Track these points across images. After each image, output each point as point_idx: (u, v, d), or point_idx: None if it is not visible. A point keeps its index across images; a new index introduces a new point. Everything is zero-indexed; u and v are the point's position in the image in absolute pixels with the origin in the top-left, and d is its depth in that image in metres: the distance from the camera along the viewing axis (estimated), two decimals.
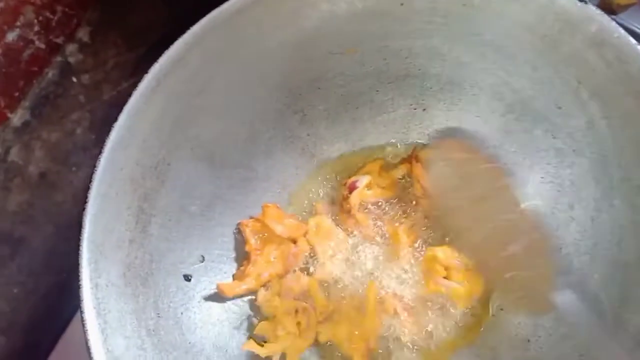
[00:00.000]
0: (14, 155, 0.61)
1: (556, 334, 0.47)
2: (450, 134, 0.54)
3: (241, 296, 0.51)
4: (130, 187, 0.43)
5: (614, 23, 0.43)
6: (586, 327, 0.43)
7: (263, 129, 0.52)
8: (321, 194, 0.55)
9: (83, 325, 0.39)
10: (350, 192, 0.53)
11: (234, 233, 0.53)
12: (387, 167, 0.55)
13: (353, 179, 0.53)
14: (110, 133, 0.41)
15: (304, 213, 0.55)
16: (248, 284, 0.50)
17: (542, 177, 0.51)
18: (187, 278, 0.48)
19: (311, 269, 0.52)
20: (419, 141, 0.56)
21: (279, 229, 0.51)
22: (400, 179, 0.54)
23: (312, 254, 0.53)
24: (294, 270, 0.52)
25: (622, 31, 0.42)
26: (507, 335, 0.50)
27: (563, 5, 0.43)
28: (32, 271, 0.66)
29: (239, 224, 0.52)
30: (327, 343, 0.51)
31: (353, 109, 0.54)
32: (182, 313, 0.47)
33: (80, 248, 0.40)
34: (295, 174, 0.55)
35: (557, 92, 0.47)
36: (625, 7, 0.60)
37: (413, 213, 0.53)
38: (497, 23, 0.46)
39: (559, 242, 0.49)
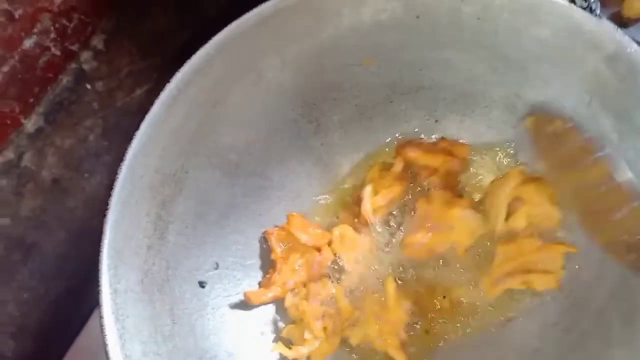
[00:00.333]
0: (27, 160, 0.62)
1: (564, 345, 0.48)
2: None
3: (267, 303, 0.52)
4: (150, 195, 0.44)
5: (627, 37, 0.43)
6: None
7: (278, 138, 0.53)
8: (334, 202, 0.56)
9: (102, 330, 0.40)
10: (359, 205, 0.53)
11: (259, 241, 0.54)
12: (386, 167, 0.55)
13: (359, 193, 0.54)
14: (132, 141, 0.42)
15: (318, 221, 0.56)
16: (274, 291, 0.51)
17: None
18: (202, 285, 0.49)
19: (336, 275, 0.53)
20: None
21: (303, 238, 0.51)
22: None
23: (336, 262, 0.53)
24: (320, 278, 0.52)
25: (636, 46, 0.43)
26: (515, 345, 0.50)
27: (577, 19, 0.44)
28: (43, 276, 0.66)
29: (264, 232, 0.53)
30: (360, 345, 0.51)
31: (367, 120, 0.55)
32: (196, 320, 0.47)
33: (101, 254, 0.40)
34: (308, 184, 0.56)
35: (568, 105, 0.48)
36: (636, 20, 0.61)
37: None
38: (510, 36, 0.47)
39: None
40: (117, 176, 0.42)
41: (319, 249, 0.52)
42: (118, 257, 0.41)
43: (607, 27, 0.43)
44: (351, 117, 0.54)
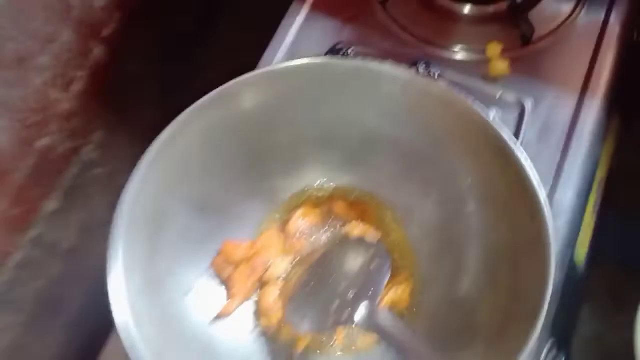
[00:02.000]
0: (49, 235, 0.72)
1: None
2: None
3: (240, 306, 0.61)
4: (143, 230, 0.55)
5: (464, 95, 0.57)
6: None
7: (234, 186, 0.64)
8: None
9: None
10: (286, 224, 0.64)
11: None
12: (317, 205, 0.67)
13: (290, 216, 0.65)
14: (126, 188, 0.54)
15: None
16: (240, 298, 0.60)
17: None
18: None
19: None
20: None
21: (238, 255, 0.61)
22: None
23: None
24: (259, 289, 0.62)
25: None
26: None
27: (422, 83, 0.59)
28: (65, 333, 0.77)
29: (211, 265, 0.63)
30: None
31: (299, 165, 0.68)
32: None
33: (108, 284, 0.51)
34: (261, 215, 0.67)
35: (425, 142, 0.62)
36: (502, 77, 0.76)
37: None
38: (376, 94, 0.60)
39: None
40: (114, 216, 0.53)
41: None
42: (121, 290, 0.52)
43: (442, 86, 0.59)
44: (287, 164, 0.67)
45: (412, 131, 0.61)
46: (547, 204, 0.51)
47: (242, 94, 0.58)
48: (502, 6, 0.75)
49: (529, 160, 0.52)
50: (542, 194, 0.51)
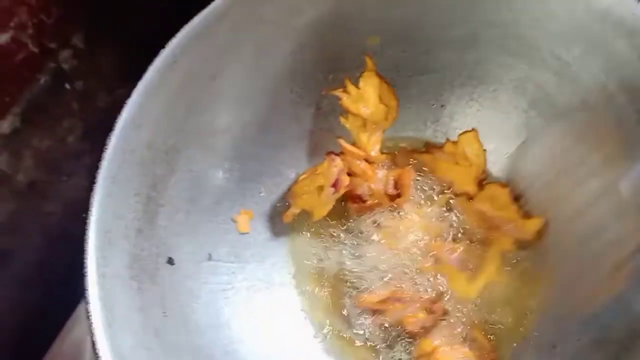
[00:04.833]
0: (2, 163, 0.59)
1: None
2: None
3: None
4: (140, 172, 0.40)
5: None
6: None
7: (276, 120, 0.50)
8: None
9: (88, 318, 0.35)
10: None
11: (255, 231, 0.51)
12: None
13: None
14: (122, 110, 0.39)
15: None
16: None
17: None
18: (171, 262, 0.44)
19: None
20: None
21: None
22: None
23: None
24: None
25: None
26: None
27: None
28: (19, 284, 0.64)
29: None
30: None
31: None
32: (189, 314, 0.43)
33: (87, 233, 0.37)
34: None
35: (582, 86, 0.46)
36: None
37: None
38: (523, 13, 0.45)
39: None
40: (105, 148, 0.38)
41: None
42: (106, 238, 0.37)
43: (626, 2, 0.42)
44: None
45: (557, 68, 0.47)
46: None
47: None
48: None
49: None
50: None
